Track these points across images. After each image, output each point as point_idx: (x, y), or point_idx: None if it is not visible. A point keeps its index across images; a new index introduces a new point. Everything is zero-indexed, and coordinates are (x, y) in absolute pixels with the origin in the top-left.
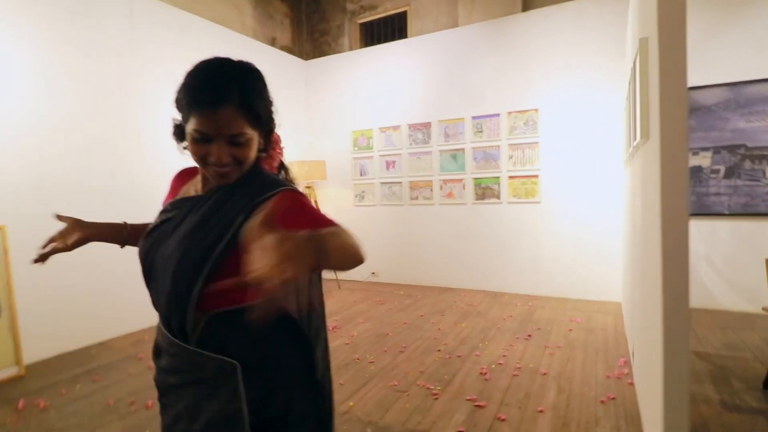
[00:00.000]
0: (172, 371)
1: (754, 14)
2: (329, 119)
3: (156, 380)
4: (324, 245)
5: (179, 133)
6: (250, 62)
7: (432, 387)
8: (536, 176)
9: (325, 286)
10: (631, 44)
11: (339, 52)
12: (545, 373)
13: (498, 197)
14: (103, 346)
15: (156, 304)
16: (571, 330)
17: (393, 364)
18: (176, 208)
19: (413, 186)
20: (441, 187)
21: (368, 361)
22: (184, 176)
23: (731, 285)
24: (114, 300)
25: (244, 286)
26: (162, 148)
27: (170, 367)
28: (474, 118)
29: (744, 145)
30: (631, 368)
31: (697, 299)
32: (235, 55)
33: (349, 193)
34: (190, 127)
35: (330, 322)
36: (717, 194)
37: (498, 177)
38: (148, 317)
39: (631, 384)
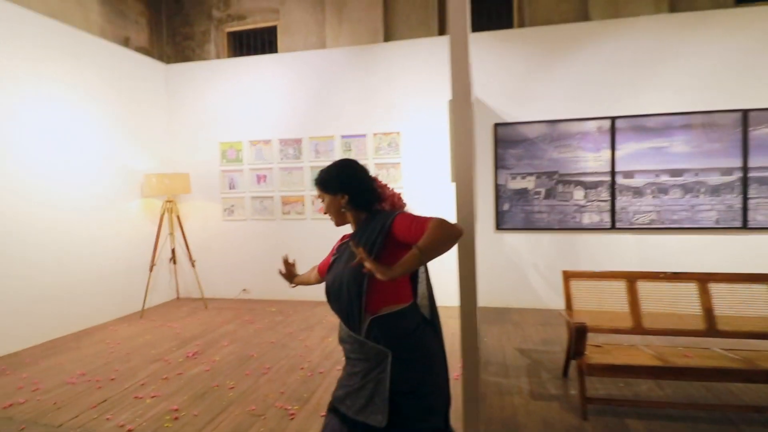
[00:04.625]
0: (351, 351)
1: (563, 67)
2: (194, 129)
3: (344, 351)
4: (416, 260)
5: None
6: (338, 161)
7: (290, 407)
8: (400, 193)
9: (190, 306)
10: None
11: (205, 59)
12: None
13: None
14: None
15: (337, 312)
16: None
17: (254, 387)
18: (342, 249)
19: (285, 201)
20: (313, 202)
21: (228, 387)
22: (348, 234)
23: (552, 287)
24: None
25: (366, 268)
26: None
27: (350, 348)
28: (343, 136)
29: (557, 172)
30: None
31: (527, 300)
32: (78, 54)
33: (218, 206)
34: None
35: (191, 348)
36: (540, 212)
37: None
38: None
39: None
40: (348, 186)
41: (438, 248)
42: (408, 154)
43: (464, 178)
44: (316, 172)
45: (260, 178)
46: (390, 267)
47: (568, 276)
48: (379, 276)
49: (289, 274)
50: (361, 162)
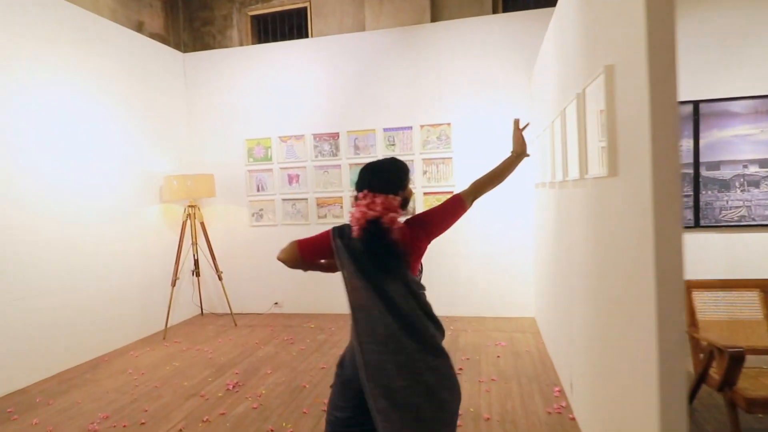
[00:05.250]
0: None
1: None
2: (216, 125)
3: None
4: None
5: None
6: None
7: None
8: (451, 192)
9: (217, 324)
10: (547, 68)
11: (227, 46)
12: (488, 418)
13: (413, 214)
14: None
15: None
16: (499, 356)
17: (317, 430)
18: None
19: (321, 203)
20: (352, 204)
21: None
22: None
23: None
24: None
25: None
26: None
27: None
28: (385, 129)
29: None
30: (568, 400)
31: None
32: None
33: (244, 211)
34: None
35: (229, 377)
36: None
37: (413, 193)
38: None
39: (573, 419)
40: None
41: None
42: (461, 147)
43: (668, 169)
44: (357, 170)
45: (292, 179)
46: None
47: (690, 286)
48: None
49: None
50: (408, 158)
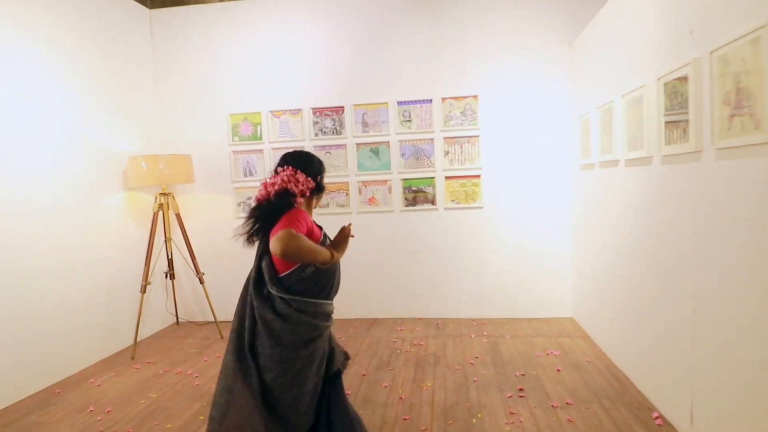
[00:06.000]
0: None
1: None
2: (194, 96)
3: (326, 326)
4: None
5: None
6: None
7: None
8: (477, 176)
9: (198, 336)
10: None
11: (205, 2)
12: None
13: (433, 202)
14: None
15: (335, 288)
16: (559, 370)
17: None
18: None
19: None
20: (360, 191)
21: None
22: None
23: None
24: None
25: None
26: None
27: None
28: (400, 103)
29: None
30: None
31: None
32: None
33: (229, 200)
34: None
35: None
36: None
37: (432, 177)
38: None
39: None
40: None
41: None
42: (489, 124)
43: None
44: (366, 151)
45: None
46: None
47: None
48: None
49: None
50: (427, 137)
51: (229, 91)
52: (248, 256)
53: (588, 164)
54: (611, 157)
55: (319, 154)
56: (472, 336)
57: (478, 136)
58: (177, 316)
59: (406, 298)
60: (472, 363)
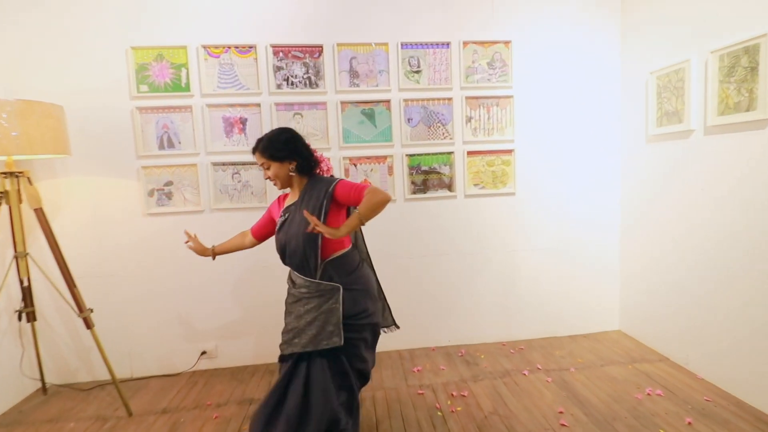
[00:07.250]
0: (305, 291)
1: None
2: (64, 16)
3: (290, 294)
4: (357, 221)
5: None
6: (278, 129)
7: None
8: (510, 151)
9: (90, 414)
10: None
11: None
12: None
13: (450, 187)
14: None
15: (292, 264)
16: (690, 423)
17: None
18: (288, 211)
19: None
20: (347, 171)
21: None
22: (283, 196)
23: None
24: None
25: (315, 231)
26: None
27: (305, 290)
28: (404, 46)
29: None
30: None
31: None
32: None
33: (133, 186)
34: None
35: None
36: None
37: (449, 153)
38: None
39: None
40: (296, 153)
41: (375, 211)
42: (525, 81)
43: None
44: (355, 111)
45: (232, 125)
46: (336, 228)
47: None
48: (328, 236)
49: (200, 248)
50: (443, 95)
51: (133, 11)
52: (168, 271)
53: (659, 134)
54: (683, 127)
55: (284, 116)
56: (525, 373)
57: (511, 97)
58: (42, 378)
59: (413, 320)
60: (564, 425)
